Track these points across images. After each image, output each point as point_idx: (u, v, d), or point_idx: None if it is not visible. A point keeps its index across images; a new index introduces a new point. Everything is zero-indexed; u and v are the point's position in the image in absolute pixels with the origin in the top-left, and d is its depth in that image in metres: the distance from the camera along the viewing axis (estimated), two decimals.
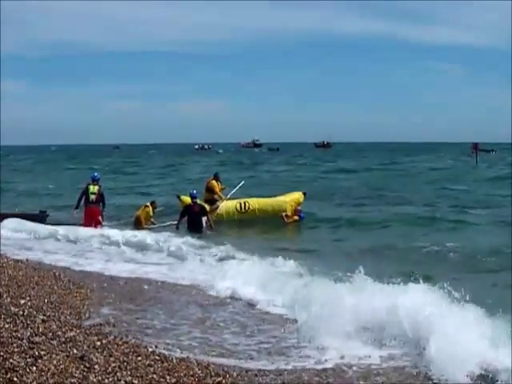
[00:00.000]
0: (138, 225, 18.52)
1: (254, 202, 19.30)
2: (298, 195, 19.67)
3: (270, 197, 19.98)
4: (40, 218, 18.97)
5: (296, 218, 18.94)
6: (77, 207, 17.89)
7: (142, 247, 14.87)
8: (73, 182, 33.30)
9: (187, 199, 18.65)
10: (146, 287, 10.67)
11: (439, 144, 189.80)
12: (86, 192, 17.56)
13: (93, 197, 17.47)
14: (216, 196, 19.35)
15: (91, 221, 17.49)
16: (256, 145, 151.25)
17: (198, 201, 18.12)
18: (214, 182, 19.53)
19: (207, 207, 18.43)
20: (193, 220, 17.71)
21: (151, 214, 18.89)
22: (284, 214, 18.79)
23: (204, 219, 17.74)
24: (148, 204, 19.08)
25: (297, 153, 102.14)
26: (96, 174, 18.45)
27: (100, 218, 17.64)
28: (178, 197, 19.74)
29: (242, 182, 21.33)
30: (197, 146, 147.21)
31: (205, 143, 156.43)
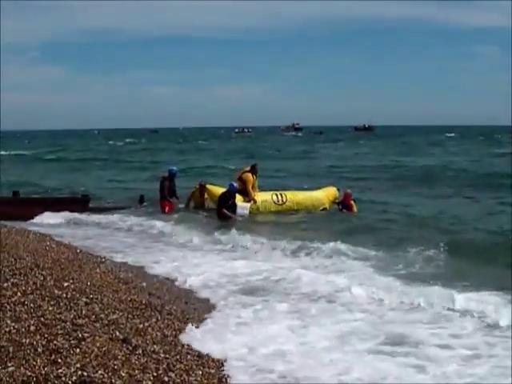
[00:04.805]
0: (196, 207, 18.76)
1: (291, 194, 18.87)
2: (333, 190, 19.37)
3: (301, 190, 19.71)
4: (83, 202, 19.15)
5: (355, 207, 18.56)
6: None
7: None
8: None
9: (216, 190, 18.35)
10: None
11: (480, 127, 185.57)
12: None
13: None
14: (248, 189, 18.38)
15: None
16: (296, 128, 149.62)
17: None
18: (249, 174, 18.33)
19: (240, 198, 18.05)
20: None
21: (199, 194, 18.80)
22: (336, 203, 18.80)
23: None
24: (197, 186, 18.94)
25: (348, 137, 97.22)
26: (173, 168, 19.19)
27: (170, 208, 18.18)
28: (204, 186, 19.08)
29: None
30: (237, 130, 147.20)
31: (244, 127, 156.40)
